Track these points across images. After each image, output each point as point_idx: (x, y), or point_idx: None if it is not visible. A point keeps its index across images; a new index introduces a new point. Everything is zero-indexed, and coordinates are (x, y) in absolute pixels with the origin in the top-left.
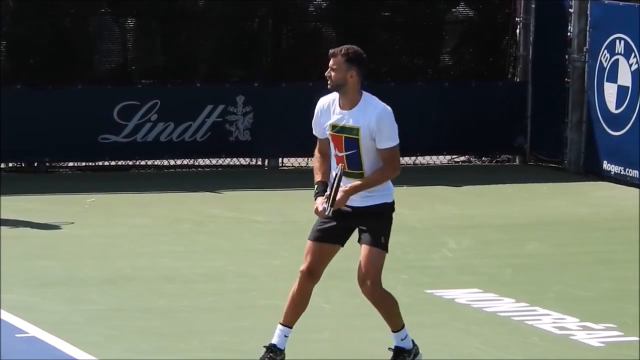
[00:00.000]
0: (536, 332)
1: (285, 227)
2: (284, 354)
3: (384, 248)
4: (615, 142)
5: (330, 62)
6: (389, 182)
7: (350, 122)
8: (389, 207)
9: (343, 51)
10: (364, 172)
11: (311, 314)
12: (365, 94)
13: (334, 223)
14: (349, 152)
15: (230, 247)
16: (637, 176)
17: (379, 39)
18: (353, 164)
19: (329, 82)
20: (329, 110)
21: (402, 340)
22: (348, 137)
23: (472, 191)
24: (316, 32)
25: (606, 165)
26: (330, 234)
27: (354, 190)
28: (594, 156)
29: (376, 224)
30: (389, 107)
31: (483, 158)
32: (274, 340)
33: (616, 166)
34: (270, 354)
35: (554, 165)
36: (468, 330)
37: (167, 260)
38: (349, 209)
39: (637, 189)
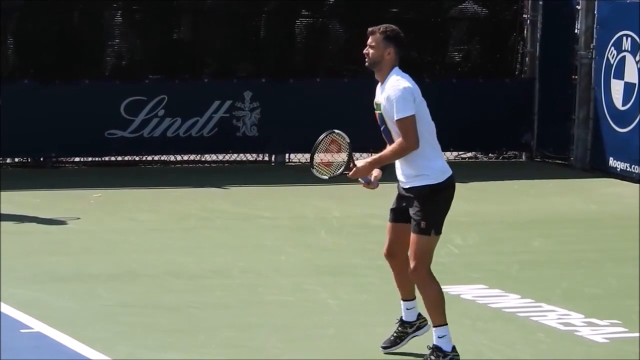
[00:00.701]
0: (541, 328)
1: (292, 223)
2: (416, 324)
3: (424, 232)
4: (621, 139)
5: (369, 40)
6: (432, 162)
7: (378, 99)
8: (428, 190)
9: (382, 29)
10: None
11: (317, 310)
12: (395, 70)
13: (397, 203)
14: (382, 127)
15: (237, 242)
16: None
17: None
18: (388, 139)
19: (366, 59)
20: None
21: (439, 338)
22: (378, 113)
23: (478, 188)
24: (324, 29)
25: (612, 162)
26: (396, 214)
27: (374, 162)
28: (601, 153)
29: (415, 208)
30: (403, 82)
31: (490, 154)
32: (402, 315)
33: (622, 163)
34: (399, 328)
35: (560, 161)
36: (474, 326)
37: (174, 256)
38: (402, 189)
39: (638, 185)
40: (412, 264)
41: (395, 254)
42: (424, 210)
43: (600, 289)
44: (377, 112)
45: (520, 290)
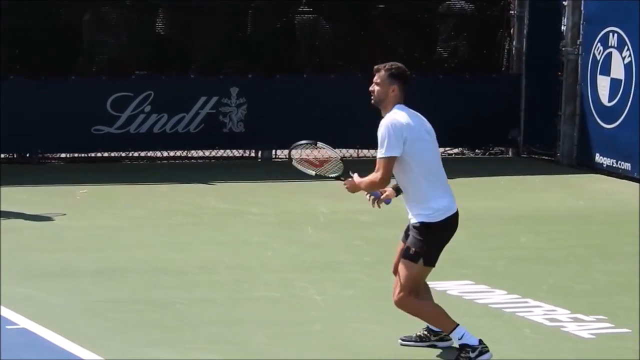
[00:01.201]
0: (528, 323)
1: (278, 219)
2: (440, 334)
3: (412, 259)
4: (607, 134)
5: (375, 77)
6: (430, 203)
7: None
8: (423, 227)
9: (387, 67)
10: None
11: (304, 306)
12: (398, 106)
13: (407, 226)
14: None
15: (224, 238)
16: (629, 169)
17: (374, 30)
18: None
19: (372, 96)
20: None
21: (459, 339)
22: None
23: (465, 184)
24: (311, 25)
25: (599, 158)
26: (405, 235)
27: (356, 185)
28: (587, 149)
29: (410, 235)
30: (393, 119)
31: (476, 150)
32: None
33: (608, 159)
34: (425, 331)
35: (547, 157)
36: (461, 322)
37: (161, 252)
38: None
39: (630, 182)
40: (396, 291)
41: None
42: (416, 239)
43: (586, 285)
44: None
45: (506, 286)
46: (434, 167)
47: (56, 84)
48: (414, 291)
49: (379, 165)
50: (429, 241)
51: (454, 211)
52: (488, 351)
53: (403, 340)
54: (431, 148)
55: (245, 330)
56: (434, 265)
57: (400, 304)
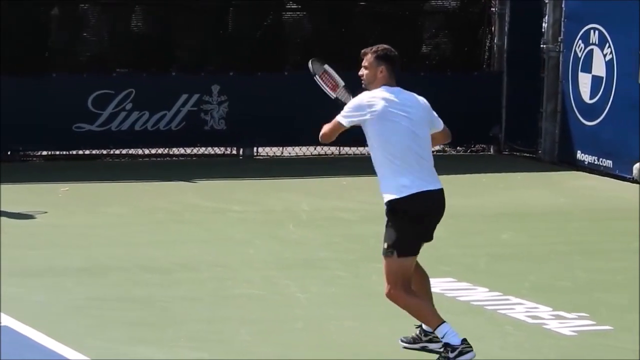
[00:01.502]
0: (510, 321)
1: (260, 216)
2: (430, 336)
3: (385, 254)
4: (589, 132)
5: (363, 61)
6: (390, 181)
7: None
8: (388, 208)
9: (373, 49)
10: None
11: (286, 304)
12: (384, 87)
13: None
14: None
15: (205, 236)
16: (611, 166)
17: (355, 28)
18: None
19: (362, 80)
20: None
21: (441, 338)
22: None
23: (446, 181)
24: (293, 22)
25: (580, 155)
26: None
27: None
28: (568, 146)
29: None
30: (368, 94)
31: (458, 148)
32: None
33: (590, 156)
34: (417, 332)
35: (528, 155)
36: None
37: (143, 250)
38: None
39: (612, 179)
40: (385, 288)
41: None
42: (387, 230)
43: (568, 282)
44: None
45: (488, 283)
46: (401, 150)
47: (37, 82)
48: (403, 285)
49: (330, 121)
50: (398, 228)
51: (424, 189)
52: (470, 351)
53: (402, 341)
54: (404, 130)
55: (228, 328)
56: (412, 254)
57: (389, 297)
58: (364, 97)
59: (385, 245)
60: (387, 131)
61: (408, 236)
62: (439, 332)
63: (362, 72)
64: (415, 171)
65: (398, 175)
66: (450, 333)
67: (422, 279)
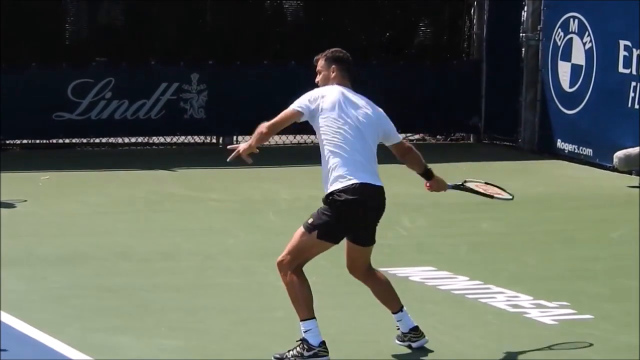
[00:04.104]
0: (490, 310)
1: (240, 205)
2: (409, 335)
3: (306, 227)
4: (569, 120)
5: (317, 68)
6: (328, 174)
7: None
8: (324, 199)
9: (324, 53)
10: None
11: (266, 293)
12: (336, 86)
13: None
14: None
15: (185, 225)
16: (591, 154)
17: (334, 17)
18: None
19: (319, 84)
20: None
21: (304, 332)
22: None
23: None
24: (271, 12)
25: (560, 144)
26: None
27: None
28: (548, 135)
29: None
30: (324, 89)
31: (437, 136)
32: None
33: (570, 144)
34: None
35: (508, 143)
36: (423, 308)
37: (122, 239)
38: None
39: (592, 168)
40: (281, 255)
41: (353, 269)
42: (318, 210)
43: (548, 271)
44: None
45: (469, 272)
46: (344, 150)
47: (17, 71)
48: (297, 264)
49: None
50: (330, 213)
51: (358, 182)
52: (326, 356)
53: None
54: (348, 129)
55: (207, 317)
56: (330, 241)
57: (279, 266)
58: (317, 90)
59: (310, 221)
60: (334, 130)
61: (339, 225)
62: (303, 325)
63: (318, 78)
64: (356, 172)
65: (338, 166)
66: (314, 331)
67: (383, 281)
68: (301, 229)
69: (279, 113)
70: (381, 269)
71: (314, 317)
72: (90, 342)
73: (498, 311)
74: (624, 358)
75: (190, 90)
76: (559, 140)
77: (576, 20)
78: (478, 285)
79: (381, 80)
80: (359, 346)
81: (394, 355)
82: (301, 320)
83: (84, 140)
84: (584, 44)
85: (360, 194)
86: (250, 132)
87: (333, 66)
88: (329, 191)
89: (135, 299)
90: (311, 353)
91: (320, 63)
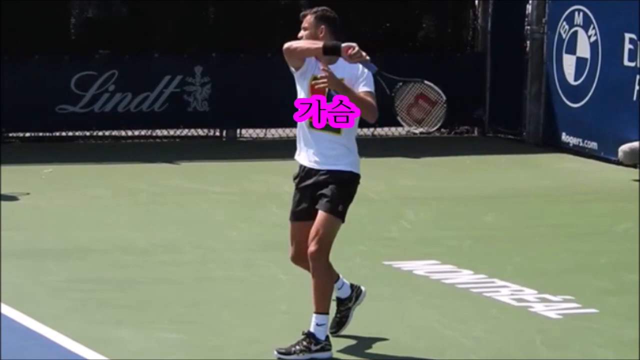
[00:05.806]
0: (495, 303)
1: (243, 198)
2: (353, 296)
3: (339, 215)
4: (573, 113)
5: (303, 23)
6: (354, 152)
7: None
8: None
9: (313, 11)
10: None
11: (269, 285)
12: None
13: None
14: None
15: (187, 218)
16: (596, 148)
17: (338, 9)
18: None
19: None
20: None
21: (317, 326)
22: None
23: (430, 163)
24: (274, 4)
25: (565, 137)
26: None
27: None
28: (553, 128)
29: (333, 189)
30: None
31: (442, 130)
32: (335, 295)
33: (575, 138)
34: (340, 307)
35: (512, 137)
36: (427, 302)
37: (125, 232)
38: (314, 174)
39: (596, 161)
40: (316, 246)
41: (302, 256)
42: (339, 191)
43: (553, 265)
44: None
45: (473, 266)
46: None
47: (20, 64)
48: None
49: (373, 98)
50: (353, 194)
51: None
52: (329, 350)
53: (333, 332)
54: None
55: (209, 310)
56: (290, 219)
57: (316, 255)
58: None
59: (341, 208)
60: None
61: (294, 200)
62: (318, 319)
63: (302, 33)
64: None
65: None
66: (325, 326)
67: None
68: (331, 217)
69: (283, 106)
70: (385, 263)
71: (328, 313)
72: (92, 335)
73: (502, 305)
74: (628, 352)
75: (193, 83)
76: (563, 133)
77: (581, 13)
78: (482, 278)
79: (385, 73)
80: (361, 337)
81: (394, 350)
82: (318, 313)
83: (87, 133)
84: (589, 37)
85: (301, 175)
86: (254, 125)
87: (322, 26)
88: (358, 173)
89: (136, 292)
90: (319, 347)
91: (308, 20)
